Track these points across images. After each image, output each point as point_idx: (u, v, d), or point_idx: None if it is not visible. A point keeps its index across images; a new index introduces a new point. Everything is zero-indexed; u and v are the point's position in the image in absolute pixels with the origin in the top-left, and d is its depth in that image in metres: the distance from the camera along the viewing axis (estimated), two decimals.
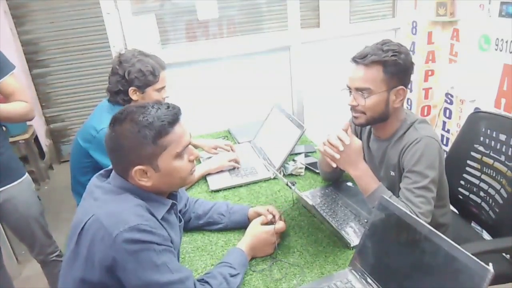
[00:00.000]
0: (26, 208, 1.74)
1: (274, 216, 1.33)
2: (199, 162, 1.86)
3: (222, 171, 1.80)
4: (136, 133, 0.96)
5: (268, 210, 1.37)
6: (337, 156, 1.32)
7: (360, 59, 1.28)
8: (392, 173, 1.40)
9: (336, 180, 1.68)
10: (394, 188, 1.37)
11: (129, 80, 1.59)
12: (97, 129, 1.59)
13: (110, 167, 1.08)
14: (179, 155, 1.02)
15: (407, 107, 2.83)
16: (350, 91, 1.34)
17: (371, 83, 1.28)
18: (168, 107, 1.01)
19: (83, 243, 0.94)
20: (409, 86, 1.34)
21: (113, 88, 1.62)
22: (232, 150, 1.97)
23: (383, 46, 1.29)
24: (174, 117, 1.00)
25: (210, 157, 1.93)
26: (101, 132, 1.57)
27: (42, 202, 1.89)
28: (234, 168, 1.81)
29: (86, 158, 1.65)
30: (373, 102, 1.30)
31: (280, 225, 1.29)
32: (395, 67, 1.27)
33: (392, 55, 1.26)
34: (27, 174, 1.77)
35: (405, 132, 1.34)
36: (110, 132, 0.99)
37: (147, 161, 0.98)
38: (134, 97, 1.62)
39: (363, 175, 1.33)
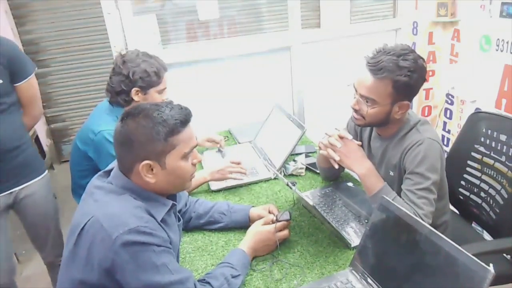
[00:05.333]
0: (45, 204, 1.78)
1: (276, 216, 1.34)
2: (201, 167, 1.85)
3: None
4: (150, 128, 0.97)
5: (269, 210, 1.38)
6: (337, 157, 1.33)
7: (373, 68, 1.25)
8: (392, 173, 1.40)
9: (336, 180, 1.68)
10: (392, 188, 1.37)
11: (133, 80, 1.58)
12: (95, 132, 1.58)
13: (109, 167, 1.08)
14: (185, 156, 1.03)
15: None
16: (355, 92, 1.34)
17: (377, 95, 1.27)
18: (181, 107, 1.03)
19: (82, 244, 0.94)
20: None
21: (116, 88, 1.60)
22: (220, 145, 1.99)
23: (399, 60, 1.23)
24: (186, 117, 1.02)
25: (218, 151, 1.99)
26: (99, 134, 1.56)
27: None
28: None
29: (85, 161, 1.65)
30: (375, 112, 1.30)
31: (283, 233, 1.29)
32: (405, 86, 1.25)
33: (405, 76, 1.23)
34: (47, 171, 1.80)
35: (407, 133, 1.34)
36: (122, 126, 1.00)
37: (155, 157, 0.99)
38: (136, 98, 1.61)
39: (369, 174, 1.33)
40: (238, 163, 1.70)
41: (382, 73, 1.23)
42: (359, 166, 1.33)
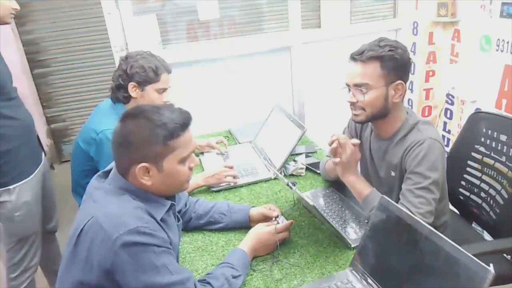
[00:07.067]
0: None
1: (276, 216, 1.34)
2: (202, 169, 1.85)
3: None
4: (150, 130, 0.97)
5: (270, 209, 1.39)
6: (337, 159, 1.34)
7: (358, 55, 1.30)
8: (393, 174, 1.40)
9: (336, 181, 1.68)
10: (393, 188, 1.37)
11: (130, 74, 1.59)
12: (97, 131, 1.58)
13: (108, 168, 1.08)
14: (183, 160, 1.03)
15: (408, 108, 2.83)
16: (350, 89, 1.35)
17: (369, 78, 1.29)
18: (181, 111, 1.03)
19: (82, 245, 0.94)
20: (408, 83, 1.35)
21: (115, 83, 1.63)
22: (224, 143, 2.02)
23: (379, 42, 1.30)
24: (186, 121, 1.02)
25: (220, 153, 2.00)
26: (101, 134, 1.57)
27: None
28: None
29: (87, 161, 1.65)
30: (372, 98, 1.30)
31: (284, 234, 1.29)
32: (392, 61, 1.28)
33: (389, 50, 1.27)
34: None
35: (408, 133, 1.34)
36: (121, 126, 1.00)
37: (153, 160, 0.99)
38: (133, 94, 1.62)
39: (359, 179, 1.35)
40: (231, 167, 1.73)
41: (367, 53, 1.28)
42: (351, 173, 1.36)
